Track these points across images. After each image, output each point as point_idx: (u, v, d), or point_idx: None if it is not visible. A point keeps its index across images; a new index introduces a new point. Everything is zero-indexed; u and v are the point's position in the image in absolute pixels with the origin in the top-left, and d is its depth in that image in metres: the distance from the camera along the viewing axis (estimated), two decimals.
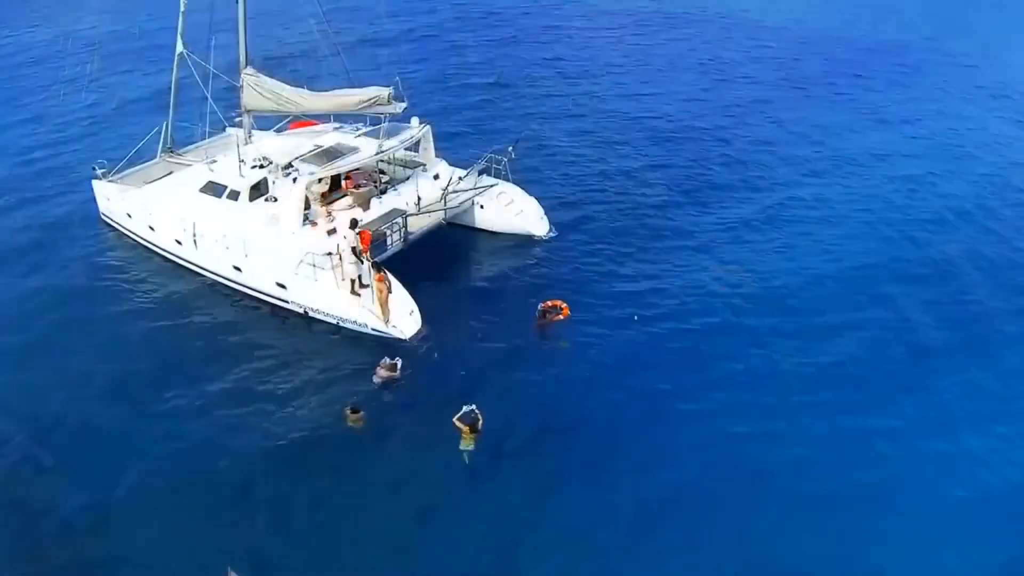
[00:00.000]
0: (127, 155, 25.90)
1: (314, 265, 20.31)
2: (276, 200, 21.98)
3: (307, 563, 15.00)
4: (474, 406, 17.16)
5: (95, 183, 25.47)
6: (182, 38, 24.94)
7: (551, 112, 34.48)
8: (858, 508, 16.07)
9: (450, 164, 25.73)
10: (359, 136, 23.70)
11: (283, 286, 21.05)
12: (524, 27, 44.50)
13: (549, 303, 20.95)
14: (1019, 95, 37.78)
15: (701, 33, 46.19)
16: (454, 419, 17.07)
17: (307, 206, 22.19)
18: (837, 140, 32.52)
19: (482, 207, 24.42)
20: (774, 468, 16.99)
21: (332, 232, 21.30)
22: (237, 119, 26.56)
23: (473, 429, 16.94)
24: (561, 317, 20.80)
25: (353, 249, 20.57)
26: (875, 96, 37.20)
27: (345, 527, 15.63)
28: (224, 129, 26.73)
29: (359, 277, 20.57)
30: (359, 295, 20.37)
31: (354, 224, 21.37)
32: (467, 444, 16.90)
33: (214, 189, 22.33)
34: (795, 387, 19.19)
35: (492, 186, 24.43)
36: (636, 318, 21.21)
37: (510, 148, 24.84)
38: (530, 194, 25.15)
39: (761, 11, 49.94)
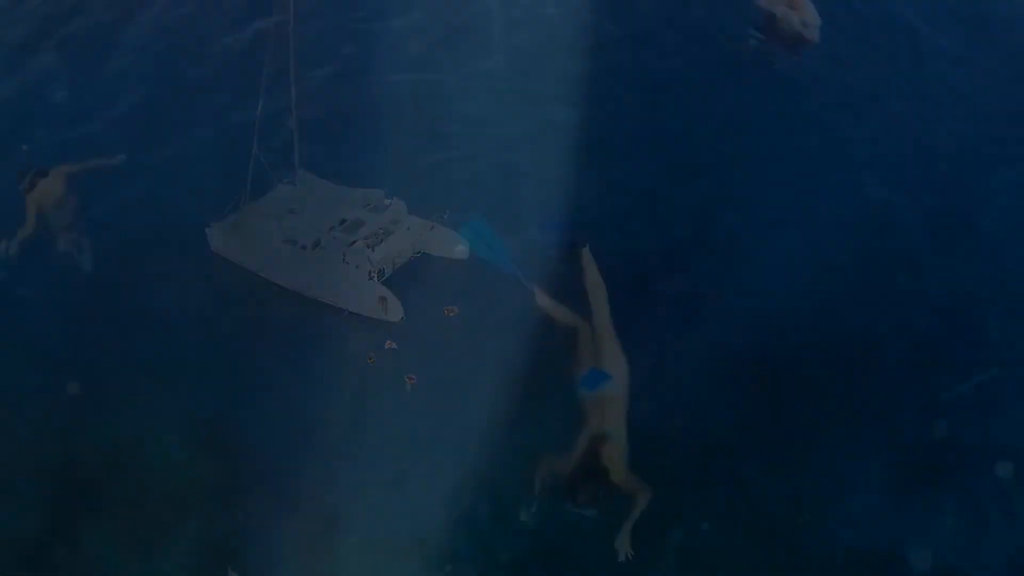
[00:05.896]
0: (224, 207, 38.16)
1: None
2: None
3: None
4: (413, 375, 33.39)
5: (208, 230, 42.05)
6: (256, 143, 41.73)
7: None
8: None
9: (413, 210, 39.05)
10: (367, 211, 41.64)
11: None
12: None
13: (448, 307, 37.30)
14: None
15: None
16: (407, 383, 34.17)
17: None
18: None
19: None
20: None
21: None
22: (287, 181, 44.04)
23: (411, 381, 34.68)
24: (453, 312, 36.36)
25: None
26: None
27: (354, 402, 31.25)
28: (275, 186, 44.19)
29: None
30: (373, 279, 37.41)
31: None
32: (410, 388, 34.10)
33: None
34: None
35: (439, 241, 39.94)
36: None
37: (446, 211, 41.82)
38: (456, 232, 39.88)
39: None
